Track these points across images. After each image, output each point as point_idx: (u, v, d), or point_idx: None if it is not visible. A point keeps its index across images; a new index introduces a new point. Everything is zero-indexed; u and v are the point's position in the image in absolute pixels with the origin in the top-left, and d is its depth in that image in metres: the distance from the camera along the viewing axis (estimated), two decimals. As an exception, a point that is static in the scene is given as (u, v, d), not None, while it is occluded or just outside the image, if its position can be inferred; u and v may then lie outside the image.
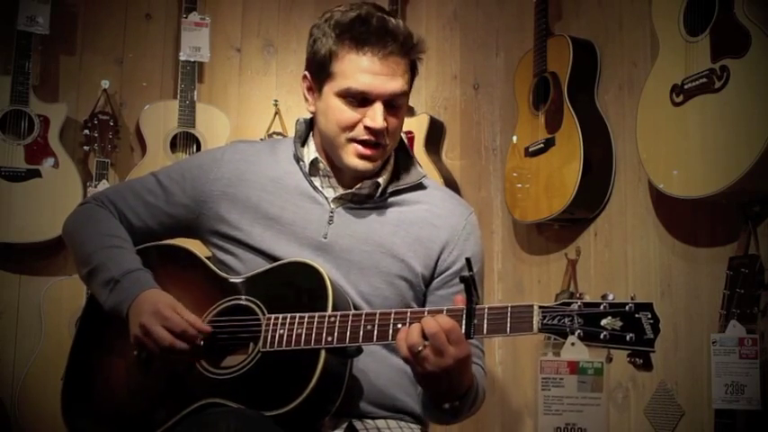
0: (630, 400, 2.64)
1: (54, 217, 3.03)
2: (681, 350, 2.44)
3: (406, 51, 1.66)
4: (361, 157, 1.66)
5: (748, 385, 2.00)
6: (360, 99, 1.64)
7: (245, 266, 1.68)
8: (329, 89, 1.67)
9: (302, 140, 1.77)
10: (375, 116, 1.63)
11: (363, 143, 1.65)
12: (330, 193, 1.72)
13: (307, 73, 1.73)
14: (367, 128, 1.64)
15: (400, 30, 1.65)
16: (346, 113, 1.65)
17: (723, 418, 2.03)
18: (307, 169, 1.73)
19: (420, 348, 1.40)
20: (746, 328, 2.01)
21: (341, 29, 1.65)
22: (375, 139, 1.65)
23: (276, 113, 3.46)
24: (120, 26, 3.40)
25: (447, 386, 1.46)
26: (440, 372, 1.42)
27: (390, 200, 1.73)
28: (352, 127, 1.65)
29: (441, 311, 1.44)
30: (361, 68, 1.63)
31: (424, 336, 1.41)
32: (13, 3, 3.10)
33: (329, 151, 1.72)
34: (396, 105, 1.67)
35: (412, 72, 1.70)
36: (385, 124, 1.64)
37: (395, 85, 1.64)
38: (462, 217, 1.76)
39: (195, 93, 3.27)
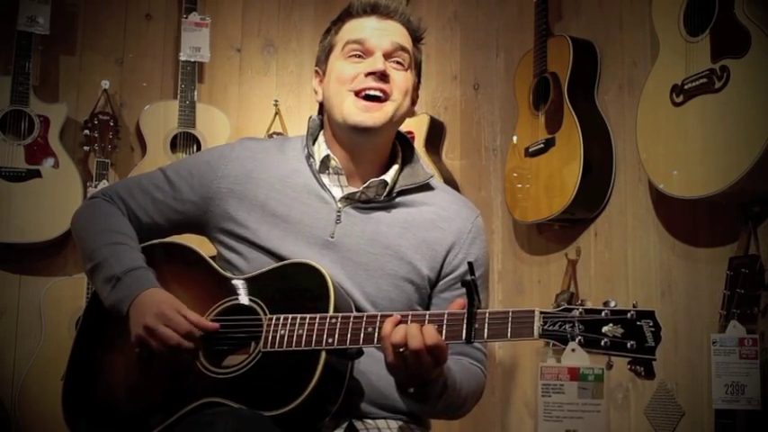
0: (630, 400, 2.64)
1: (54, 217, 3.04)
2: (681, 350, 2.44)
3: (405, 21, 1.70)
4: (364, 109, 1.64)
5: (748, 385, 2.00)
6: (360, 52, 1.67)
7: (251, 265, 1.67)
8: (332, 59, 1.71)
9: (314, 138, 1.76)
10: (375, 62, 1.65)
11: (367, 97, 1.64)
12: (338, 192, 1.71)
13: (316, 68, 1.77)
14: (369, 74, 1.64)
15: (399, 5, 1.70)
16: (347, 68, 1.67)
17: (723, 419, 2.03)
18: (317, 167, 1.72)
19: (402, 349, 1.40)
20: (746, 329, 2.01)
21: (343, 10, 1.72)
22: (377, 85, 1.64)
23: (276, 113, 3.46)
24: (120, 26, 3.40)
25: (415, 376, 1.45)
26: (412, 371, 1.42)
27: (398, 200, 1.72)
28: (352, 79, 1.66)
29: (441, 315, 1.44)
30: (361, 25, 1.69)
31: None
32: (13, 3, 3.10)
33: (331, 116, 1.70)
34: (399, 62, 1.67)
35: (416, 52, 1.72)
36: (386, 68, 1.64)
37: (395, 37, 1.67)
38: (468, 220, 1.75)
39: (195, 93, 3.27)
